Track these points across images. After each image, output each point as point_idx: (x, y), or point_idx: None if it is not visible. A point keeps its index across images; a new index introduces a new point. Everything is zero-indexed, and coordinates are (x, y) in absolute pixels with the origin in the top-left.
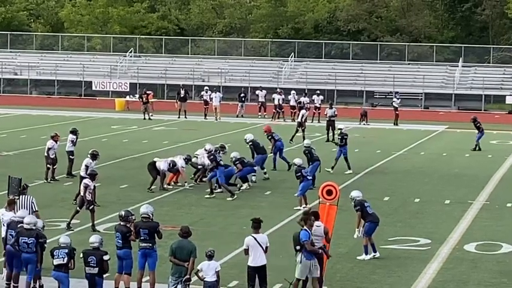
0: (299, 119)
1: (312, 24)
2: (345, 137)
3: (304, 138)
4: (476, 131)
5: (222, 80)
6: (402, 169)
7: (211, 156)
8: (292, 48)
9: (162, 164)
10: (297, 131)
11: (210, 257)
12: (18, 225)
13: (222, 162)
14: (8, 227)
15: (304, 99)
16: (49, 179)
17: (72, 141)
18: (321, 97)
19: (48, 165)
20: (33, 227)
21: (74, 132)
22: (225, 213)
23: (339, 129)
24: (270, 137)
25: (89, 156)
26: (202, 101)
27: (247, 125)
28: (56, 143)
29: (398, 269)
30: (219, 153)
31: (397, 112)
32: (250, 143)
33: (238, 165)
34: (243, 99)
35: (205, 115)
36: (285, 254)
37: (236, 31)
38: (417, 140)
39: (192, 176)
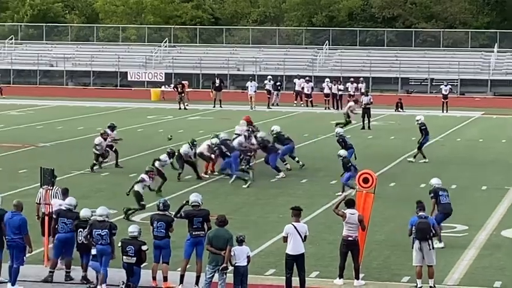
0: (345, 110)
1: (346, 11)
2: (423, 126)
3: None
4: None
5: (257, 69)
6: (438, 156)
7: (216, 149)
8: (326, 36)
9: (203, 149)
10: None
11: (241, 242)
12: (91, 217)
13: (228, 153)
14: (58, 215)
15: (362, 86)
16: (93, 168)
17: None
18: (355, 85)
19: (98, 158)
20: (106, 219)
21: (112, 127)
22: (262, 202)
23: (417, 120)
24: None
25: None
26: (265, 91)
27: (282, 114)
28: (105, 140)
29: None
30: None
31: (446, 100)
32: (275, 135)
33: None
34: (279, 87)
35: (268, 104)
36: (322, 242)
37: (270, 20)
38: (453, 126)
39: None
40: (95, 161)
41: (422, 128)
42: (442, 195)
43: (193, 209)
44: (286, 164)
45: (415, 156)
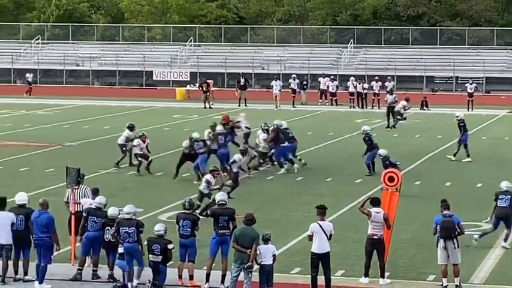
0: (397, 108)
1: (370, 10)
2: (462, 123)
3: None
4: None
5: (282, 68)
6: (464, 154)
7: (192, 146)
8: (351, 34)
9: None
10: (398, 119)
11: (266, 240)
12: (118, 216)
13: (201, 150)
14: (88, 214)
15: (390, 84)
16: (140, 171)
17: (127, 137)
18: (380, 83)
19: (139, 160)
20: (133, 217)
21: (130, 128)
22: (286, 200)
23: (456, 116)
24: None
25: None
26: (290, 90)
27: (306, 113)
28: (144, 142)
29: (461, 254)
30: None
31: (472, 98)
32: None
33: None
34: (305, 86)
35: (293, 103)
36: (347, 240)
37: (295, 19)
38: (479, 124)
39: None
40: (138, 165)
41: (461, 124)
42: (502, 199)
43: (220, 208)
44: (301, 160)
45: (455, 154)
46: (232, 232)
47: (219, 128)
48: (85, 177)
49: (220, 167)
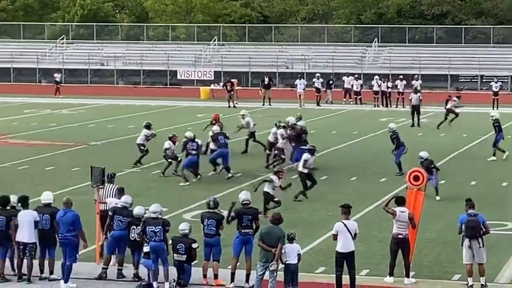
0: (449, 106)
1: (395, 8)
2: (496, 123)
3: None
4: None
5: (306, 67)
6: (489, 153)
7: (186, 145)
8: (375, 33)
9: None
10: (445, 118)
11: (291, 239)
12: (144, 215)
13: (193, 152)
14: (113, 213)
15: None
16: (172, 172)
17: (145, 135)
18: (404, 82)
19: (168, 161)
20: (159, 216)
21: (147, 126)
22: (311, 199)
23: (491, 116)
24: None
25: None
26: (314, 89)
27: (331, 112)
28: (174, 144)
29: (486, 254)
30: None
31: (497, 97)
32: (291, 129)
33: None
34: (331, 85)
35: (318, 102)
36: (372, 239)
37: (319, 17)
38: (504, 123)
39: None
40: (167, 166)
41: (495, 124)
42: None
43: (243, 207)
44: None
45: (494, 154)
46: (255, 232)
47: (215, 128)
48: (115, 176)
49: (221, 166)
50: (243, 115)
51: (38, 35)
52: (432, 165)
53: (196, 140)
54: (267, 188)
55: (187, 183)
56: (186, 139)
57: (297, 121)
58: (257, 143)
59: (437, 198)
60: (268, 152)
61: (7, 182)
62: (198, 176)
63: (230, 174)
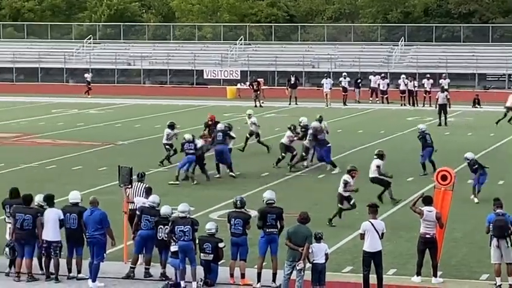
0: (508, 104)
1: (421, 7)
2: None
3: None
4: None
5: (332, 66)
6: None
7: (183, 146)
8: (402, 32)
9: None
10: (505, 115)
11: (319, 239)
12: (171, 214)
13: (191, 151)
14: (141, 212)
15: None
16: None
17: (167, 134)
18: (431, 81)
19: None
20: (188, 215)
21: (171, 126)
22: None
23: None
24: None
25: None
26: (341, 88)
27: (357, 111)
28: (205, 143)
29: None
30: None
31: None
32: (303, 129)
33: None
34: (359, 84)
35: (344, 102)
36: (400, 239)
37: (345, 17)
38: None
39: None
40: (201, 167)
41: None
42: None
43: (268, 206)
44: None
45: None
46: (280, 231)
47: (219, 126)
48: (145, 175)
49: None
50: (250, 114)
51: (65, 35)
52: (475, 166)
53: (195, 141)
54: (340, 189)
55: (195, 182)
56: (184, 140)
57: (319, 121)
58: (261, 144)
59: (475, 200)
60: (283, 155)
61: (35, 182)
62: (195, 180)
63: (232, 173)
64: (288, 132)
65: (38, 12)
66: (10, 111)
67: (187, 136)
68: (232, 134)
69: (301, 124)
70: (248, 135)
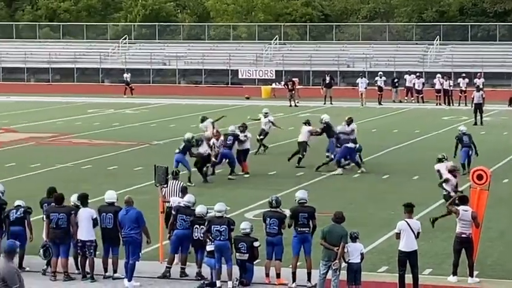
0: None
1: (457, 6)
2: None
3: None
4: None
5: (367, 66)
6: None
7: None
8: (437, 31)
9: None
10: None
11: (354, 238)
12: (207, 214)
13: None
14: (177, 212)
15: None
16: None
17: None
18: (467, 80)
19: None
20: (224, 215)
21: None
22: (374, 198)
23: None
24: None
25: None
26: (376, 87)
27: (392, 110)
28: (217, 140)
29: None
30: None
31: None
32: (324, 124)
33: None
34: (396, 84)
35: (379, 101)
36: (435, 239)
37: (380, 16)
38: None
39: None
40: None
41: None
42: None
43: (299, 206)
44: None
45: None
46: (313, 231)
47: (231, 128)
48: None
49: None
50: (266, 113)
51: (100, 35)
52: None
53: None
54: (446, 187)
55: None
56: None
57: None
58: (261, 144)
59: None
60: (304, 153)
61: (70, 182)
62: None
63: (232, 176)
64: (305, 128)
65: (73, 13)
66: (46, 112)
67: (187, 136)
68: (241, 137)
69: (323, 121)
70: (263, 136)
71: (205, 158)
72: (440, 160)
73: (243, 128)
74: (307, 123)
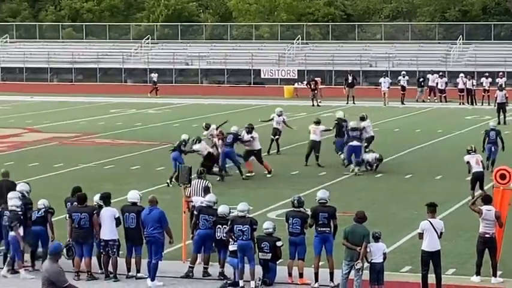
0: None
1: (480, 5)
2: None
3: None
4: None
5: (390, 65)
6: None
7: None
8: (460, 30)
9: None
10: None
11: (377, 238)
12: (230, 214)
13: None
14: (199, 212)
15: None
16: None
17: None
18: (490, 79)
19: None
20: (247, 214)
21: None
22: (397, 198)
23: None
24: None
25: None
26: (399, 87)
27: (415, 110)
28: (218, 141)
29: None
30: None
31: None
32: (336, 122)
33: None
34: (422, 83)
35: (402, 101)
36: (458, 239)
37: (402, 15)
38: None
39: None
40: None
41: None
42: None
43: (320, 205)
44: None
45: None
46: (335, 231)
47: (234, 128)
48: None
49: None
50: (281, 112)
51: (123, 36)
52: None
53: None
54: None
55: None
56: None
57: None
58: (277, 144)
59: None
60: (317, 154)
61: (93, 181)
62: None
63: (218, 177)
64: (318, 128)
65: (96, 13)
66: (69, 111)
67: (184, 136)
68: (247, 138)
69: (336, 118)
70: (278, 136)
71: (207, 157)
72: (468, 152)
73: (249, 129)
74: (318, 122)
